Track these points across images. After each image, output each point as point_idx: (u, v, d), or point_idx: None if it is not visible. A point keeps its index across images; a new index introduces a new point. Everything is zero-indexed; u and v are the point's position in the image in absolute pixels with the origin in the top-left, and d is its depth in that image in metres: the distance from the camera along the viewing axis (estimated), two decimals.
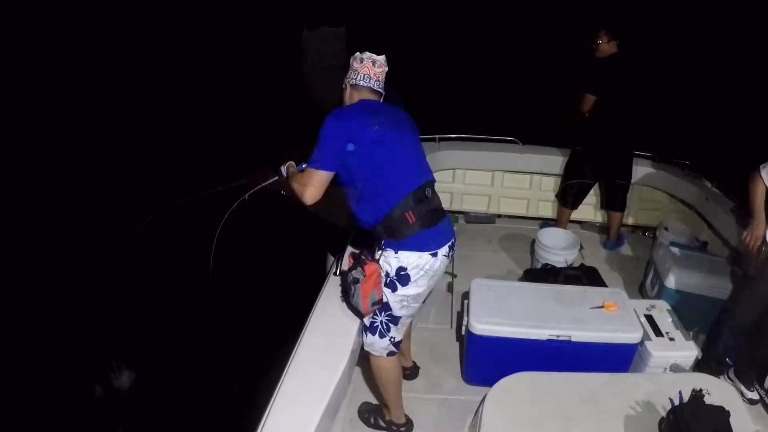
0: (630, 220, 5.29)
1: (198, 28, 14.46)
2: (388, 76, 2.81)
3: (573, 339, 3.11)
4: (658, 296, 3.93)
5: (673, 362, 3.25)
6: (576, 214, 5.09)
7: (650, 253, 4.48)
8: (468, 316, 3.21)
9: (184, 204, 3.05)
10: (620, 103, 4.45)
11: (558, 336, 3.11)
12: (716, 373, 3.25)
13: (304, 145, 2.74)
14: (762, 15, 12.61)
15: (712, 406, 2.39)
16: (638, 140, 4.82)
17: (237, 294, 5.33)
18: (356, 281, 2.61)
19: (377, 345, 2.83)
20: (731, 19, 13.76)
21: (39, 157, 7.95)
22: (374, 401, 3.22)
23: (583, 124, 4.61)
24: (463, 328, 3.30)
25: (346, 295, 2.78)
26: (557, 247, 4.39)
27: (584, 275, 4.02)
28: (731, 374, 3.36)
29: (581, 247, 4.56)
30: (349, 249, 3.26)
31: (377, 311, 2.75)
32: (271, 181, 3.22)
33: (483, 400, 2.73)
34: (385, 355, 2.85)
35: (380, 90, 2.77)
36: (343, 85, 2.80)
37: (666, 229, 4.71)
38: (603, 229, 5.21)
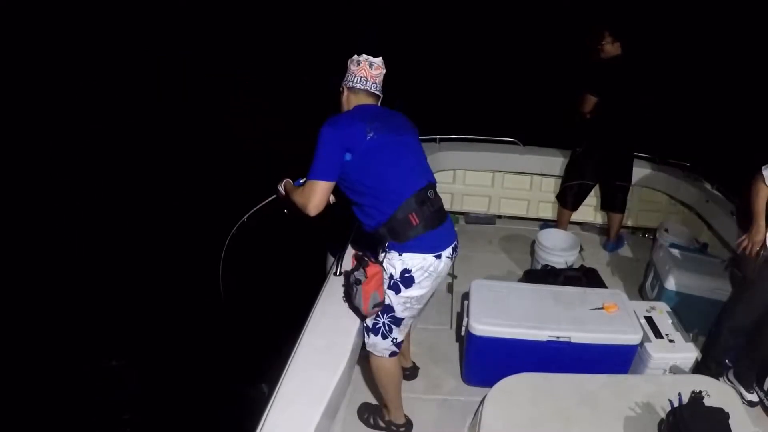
0: (630, 222, 5.29)
1: (198, 28, 14.47)
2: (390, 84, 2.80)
3: (573, 340, 3.11)
4: (658, 298, 3.93)
5: (672, 364, 3.25)
6: (576, 216, 5.09)
7: (650, 255, 4.48)
8: (468, 316, 3.21)
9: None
10: (621, 105, 4.45)
11: (558, 337, 3.11)
12: (716, 374, 3.25)
13: (303, 154, 2.73)
14: (762, 16, 12.62)
15: (711, 408, 2.40)
16: (638, 141, 4.82)
17: (237, 294, 5.32)
18: (358, 282, 2.59)
19: (379, 346, 2.83)
20: (731, 21, 13.77)
21: (39, 157, 7.95)
22: (374, 401, 3.22)
23: (584, 124, 4.61)
24: (463, 328, 3.30)
25: (348, 296, 2.77)
26: (557, 248, 4.39)
27: (584, 276, 4.02)
28: (731, 376, 3.35)
29: (581, 249, 4.56)
30: (352, 250, 3.25)
31: (380, 313, 2.75)
32: (267, 201, 3.23)
33: (483, 400, 2.73)
34: (387, 355, 2.86)
35: (378, 92, 2.75)
36: (341, 89, 2.78)
37: (666, 230, 4.70)
38: (603, 230, 5.21)
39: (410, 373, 3.46)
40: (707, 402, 2.41)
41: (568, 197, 4.89)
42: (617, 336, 3.13)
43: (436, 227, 2.64)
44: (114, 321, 5.00)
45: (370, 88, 2.72)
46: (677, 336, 3.33)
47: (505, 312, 3.22)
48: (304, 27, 14.61)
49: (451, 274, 4.16)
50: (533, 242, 4.58)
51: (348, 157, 2.55)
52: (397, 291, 2.67)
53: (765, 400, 3.25)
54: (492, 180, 5.30)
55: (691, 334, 3.42)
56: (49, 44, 12.78)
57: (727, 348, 3.33)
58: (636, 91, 4.45)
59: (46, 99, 10.07)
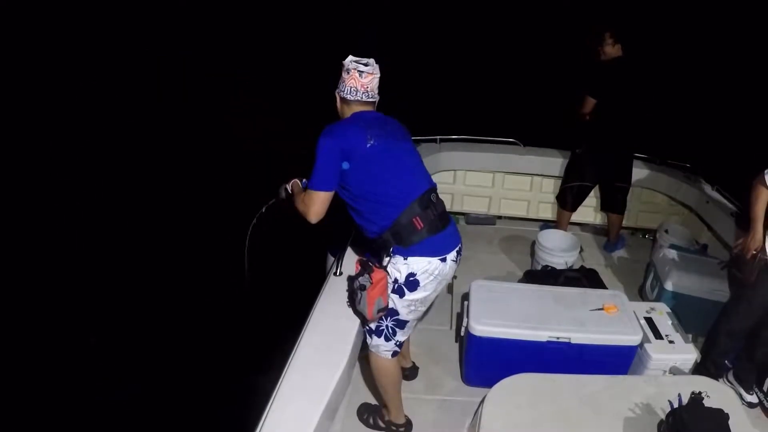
0: (630, 223, 5.28)
1: (198, 28, 14.47)
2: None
3: (573, 341, 3.11)
4: (657, 299, 3.93)
5: (672, 365, 3.25)
6: (576, 217, 5.09)
7: (650, 256, 4.49)
8: (468, 317, 3.21)
9: None
10: (620, 106, 4.45)
11: (558, 338, 3.11)
12: (715, 376, 3.25)
13: (303, 154, 2.73)
14: (762, 17, 12.63)
15: (711, 409, 2.39)
16: (638, 142, 4.82)
17: (237, 294, 5.32)
18: (363, 288, 2.59)
19: (382, 347, 2.83)
20: (732, 22, 13.77)
21: (39, 157, 7.95)
22: (373, 402, 3.21)
23: (584, 126, 4.61)
24: (463, 329, 3.30)
25: (352, 300, 2.77)
26: (557, 248, 4.39)
27: (584, 277, 4.02)
28: (730, 377, 3.36)
29: (581, 249, 4.56)
30: (355, 255, 3.25)
31: (383, 316, 2.74)
32: (270, 203, 3.22)
33: (482, 401, 2.73)
34: (389, 356, 2.86)
35: (371, 99, 2.72)
36: (335, 94, 2.77)
37: (666, 231, 4.70)
38: (603, 231, 5.21)
39: (410, 373, 3.46)
40: (707, 403, 2.41)
41: (568, 198, 4.89)
42: (617, 337, 3.13)
43: (440, 231, 2.65)
44: (114, 321, 5.00)
45: (362, 98, 2.68)
46: (677, 337, 3.33)
47: (505, 312, 3.22)
48: (304, 27, 14.62)
49: None
50: (533, 243, 4.58)
51: (346, 165, 2.56)
52: (402, 295, 2.68)
53: (765, 401, 3.25)
54: (492, 180, 5.30)
55: (690, 335, 3.42)
56: (49, 44, 12.78)
57: (726, 350, 3.33)
58: (635, 92, 4.45)
59: (46, 99, 10.07)
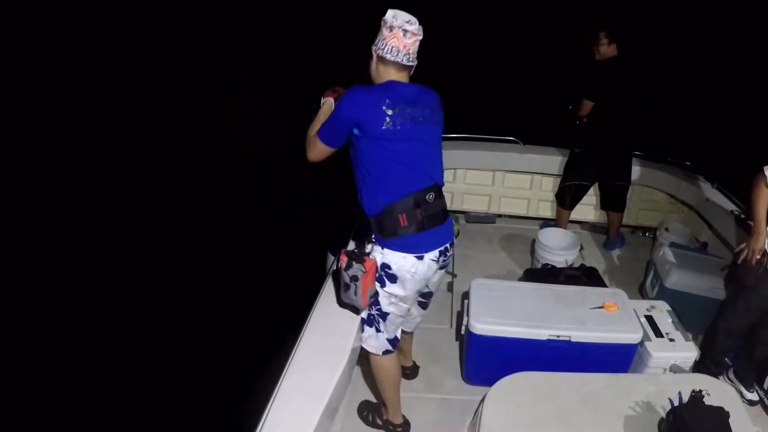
0: (630, 221, 5.28)
1: (198, 28, 14.46)
2: None
3: (573, 339, 3.11)
4: (658, 297, 3.92)
5: (672, 363, 3.25)
6: (576, 215, 5.09)
7: (650, 254, 4.49)
8: (468, 315, 3.21)
9: None
10: (617, 107, 4.45)
11: (558, 336, 3.11)
12: (715, 374, 3.25)
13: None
14: (762, 15, 12.61)
15: (711, 407, 2.39)
16: (637, 142, 4.81)
17: (237, 294, 5.33)
18: (356, 278, 2.57)
19: (372, 341, 2.81)
20: (732, 19, 13.76)
21: (39, 157, 7.95)
22: (374, 400, 3.22)
23: (582, 128, 4.61)
24: (463, 327, 3.30)
25: (345, 293, 2.70)
26: (557, 247, 4.39)
27: (584, 275, 4.02)
28: (731, 375, 3.36)
29: (581, 248, 4.56)
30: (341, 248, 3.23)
31: (370, 305, 2.75)
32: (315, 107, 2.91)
33: (482, 400, 2.73)
34: (380, 353, 2.83)
35: (410, 64, 2.53)
36: (371, 52, 2.56)
37: (666, 229, 4.70)
38: (603, 229, 5.21)
39: (410, 372, 3.46)
40: (707, 401, 2.41)
41: (566, 197, 4.90)
42: (617, 335, 3.14)
43: (424, 230, 2.56)
44: (114, 321, 5.00)
45: (402, 60, 2.48)
46: (677, 335, 3.33)
47: (505, 311, 3.22)
48: (304, 27, 14.60)
49: (452, 273, 4.16)
50: (533, 241, 4.58)
51: (357, 132, 2.49)
52: (382, 284, 2.65)
53: (765, 399, 3.26)
54: (492, 179, 5.30)
55: (691, 334, 3.42)
56: (49, 44, 12.77)
57: (725, 348, 3.33)
58: (632, 92, 4.45)
59: (47, 99, 10.06)
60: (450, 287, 4.09)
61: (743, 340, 3.30)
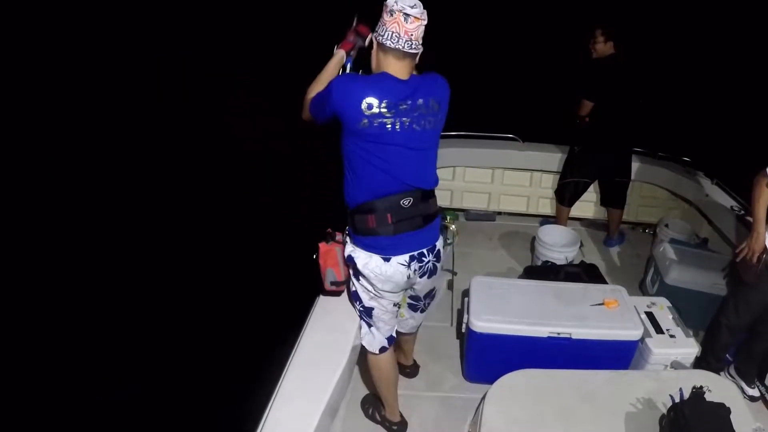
0: (630, 217, 5.28)
1: (198, 28, 14.46)
2: None
3: (573, 336, 3.10)
4: (658, 293, 3.92)
5: (673, 359, 3.24)
6: (576, 212, 5.09)
7: (651, 250, 4.48)
8: (468, 313, 3.21)
9: None
10: (616, 105, 4.44)
11: (558, 333, 3.11)
12: (716, 370, 3.25)
13: (303, 154, 2.67)
14: (762, 12, 12.60)
15: (712, 403, 2.39)
16: (636, 139, 4.80)
17: (237, 294, 5.33)
18: (315, 258, 2.66)
19: (368, 338, 2.80)
20: (731, 16, 13.74)
21: (39, 157, 7.95)
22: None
23: (583, 126, 4.60)
24: (464, 325, 3.29)
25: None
26: (558, 244, 4.39)
27: (584, 272, 4.02)
28: (732, 371, 3.36)
29: (581, 245, 4.56)
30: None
31: (353, 302, 2.77)
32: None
33: (483, 397, 2.73)
34: (376, 351, 2.81)
35: (413, 51, 2.32)
36: (372, 38, 2.42)
37: (666, 226, 4.70)
38: (603, 226, 5.20)
39: (411, 371, 3.46)
40: (708, 397, 2.40)
41: (566, 194, 4.89)
42: (618, 332, 3.13)
43: (393, 234, 2.47)
44: (114, 321, 5.00)
45: (403, 47, 2.28)
46: (678, 331, 3.32)
47: (506, 309, 3.21)
48: (304, 27, 14.60)
49: (452, 271, 4.17)
50: (533, 239, 4.58)
51: (339, 120, 2.36)
52: (357, 278, 2.65)
53: (766, 395, 3.26)
54: (492, 176, 5.30)
55: (691, 330, 3.41)
56: (49, 44, 12.79)
57: (726, 344, 3.33)
58: (630, 90, 4.44)
59: (47, 99, 10.07)
60: (450, 285, 4.08)
61: (745, 336, 3.30)
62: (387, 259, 2.50)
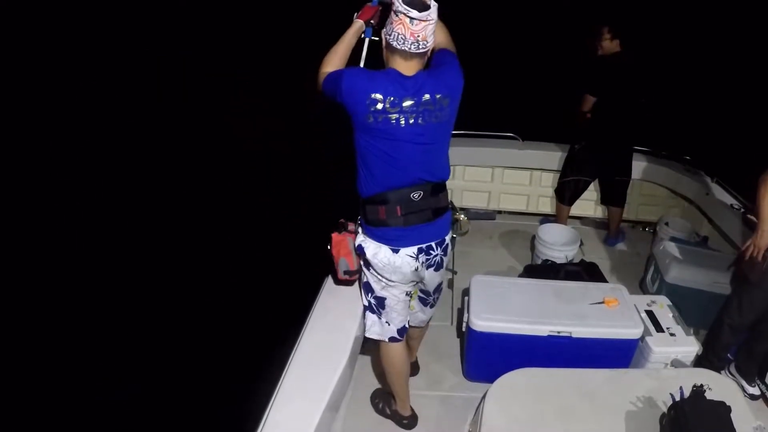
0: (630, 216, 5.27)
1: (198, 28, 14.46)
2: None
3: (574, 335, 3.10)
4: (658, 292, 3.92)
5: (673, 358, 3.24)
6: (576, 210, 5.08)
7: (651, 249, 4.48)
8: (468, 312, 3.21)
9: None
10: (619, 103, 4.44)
11: (559, 332, 3.11)
12: (717, 368, 3.24)
13: (303, 153, 2.69)
14: (762, 10, 12.59)
15: (713, 402, 2.38)
16: (637, 138, 4.80)
17: (237, 294, 5.33)
18: (328, 248, 2.70)
19: (375, 328, 2.84)
20: (731, 14, 13.73)
21: (39, 157, 7.96)
22: (388, 389, 3.22)
23: (584, 124, 4.60)
24: (464, 324, 3.29)
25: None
26: (558, 243, 4.39)
27: (585, 271, 4.02)
28: (732, 369, 3.35)
29: (581, 243, 4.56)
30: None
31: (365, 292, 2.81)
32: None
33: (484, 396, 2.73)
34: (386, 339, 2.85)
35: (420, 51, 2.31)
36: (382, 35, 2.42)
37: (666, 224, 4.69)
38: (603, 224, 5.20)
39: (411, 369, 3.46)
40: (709, 396, 2.40)
41: (566, 193, 4.89)
42: (618, 330, 3.13)
43: (402, 225, 2.52)
44: (114, 321, 5.00)
45: (410, 48, 2.28)
46: (678, 330, 3.33)
47: (506, 307, 3.21)
48: (305, 27, 14.59)
49: (452, 270, 4.17)
50: (533, 237, 4.58)
51: (344, 108, 2.39)
52: (367, 267, 2.71)
53: (767, 394, 3.25)
54: (492, 175, 5.30)
55: (692, 328, 3.41)
56: (49, 44, 12.79)
57: (728, 344, 3.32)
58: (634, 89, 4.44)
59: (47, 99, 10.08)
60: (450, 284, 4.08)
61: (746, 334, 3.30)
62: (396, 251, 2.56)
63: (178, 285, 5.37)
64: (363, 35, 2.67)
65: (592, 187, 4.96)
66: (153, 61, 11.91)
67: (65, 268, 5.64)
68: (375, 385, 3.31)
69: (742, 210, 4.24)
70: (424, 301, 2.99)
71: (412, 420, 3.08)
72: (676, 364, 3.23)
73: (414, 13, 2.20)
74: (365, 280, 2.77)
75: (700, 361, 3.30)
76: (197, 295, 5.27)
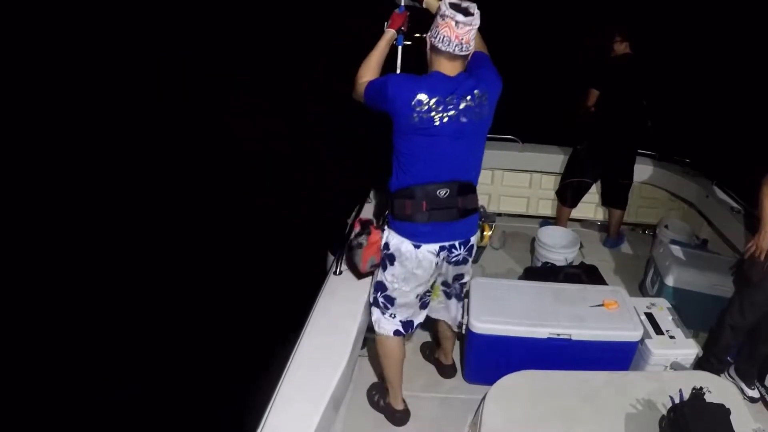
0: (630, 218, 5.28)
1: (198, 28, 14.44)
2: None
3: (573, 337, 3.11)
4: (658, 294, 3.92)
5: (673, 360, 3.25)
6: (576, 213, 5.09)
7: (650, 251, 4.48)
8: (468, 314, 3.20)
9: None
10: (623, 103, 4.44)
11: (558, 334, 3.11)
12: (717, 371, 3.24)
13: (303, 153, 2.72)
14: (761, 12, 12.59)
15: (712, 404, 2.39)
16: (640, 141, 4.79)
17: (237, 294, 5.33)
18: (360, 246, 2.72)
19: (383, 322, 2.89)
20: (731, 16, 13.73)
21: (39, 157, 7.95)
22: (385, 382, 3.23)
23: (586, 123, 4.60)
24: (464, 326, 3.30)
25: (351, 253, 2.87)
26: (557, 245, 4.39)
27: (584, 273, 4.02)
28: (732, 372, 3.35)
29: (581, 246, 4.55)
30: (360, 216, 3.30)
31: (375, 289, 2.86)
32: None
33: (483, 398, 2.73)
34: (391, 333, 2.90)
35: (463, 53, 2.47)
36: (426, 39, 2.54)
37: (666, 227, 4.70)
38: (603, 227, 5.20)
39: (449, 371, 3.48)
40: (708, 398, 2.40)
41: (568, 194, 4.89)
42: (618, 333, 3.14)
43: (426, 221, 2.61)
44: (114, 321, 5.00)
45: (454, 50, 2.43)
46: (678, 332, 3.33)
47: (506, 310, 3.22)
48: (305, 27, 14.59)
49: None
50: (533, 240, 4.57)
51: (387, 113, 2.51)
52: (384, 267, 2.76)
53: (766, 396, 3.25)
54: (491, 178, 5.30)
55: (691, 330, 3.42)
56: (49, 44, 12.77)
57: (729, 345, 3.32)
58: (637, 90, 4.44)
59: (47, 99, 10.06)
60: None
61: (745, 337, 3.30)
62: (417, 246, 2.65)
63: (178, 285, 5.37)
64: (395, 43, 2.82)
65: (592, 189, 4.96)
66: (153, 61, 11.90)
67: (65, 268, 5.64)
68: (380, 375, 3.31)
69: (742, 213, 4.25)
70: (447, 294, 3.06)
71: (404, 415, 3.09)
72: (676, 366, 3.24)
73: (460, 17, 2.36)
74: (378, 278, 2.83)
75: (700, 364, 3.30)
76: (197, 296, 5.27)
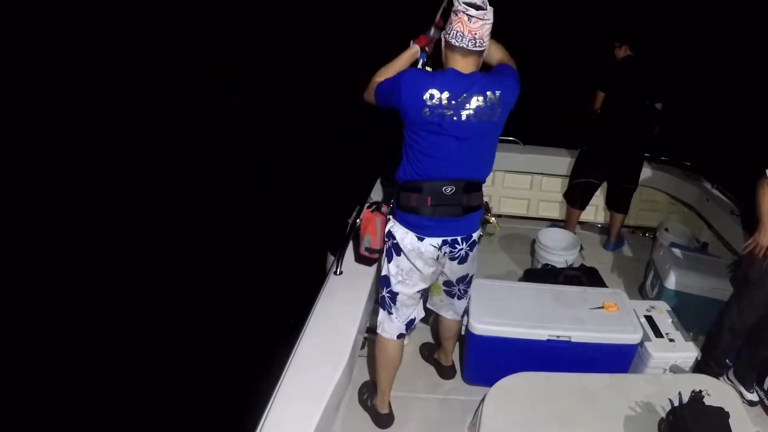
0: (630, 221, 5.27)
1: (198, 28, 14.44)
2: None
3: (573, 339, 3.11)
4: (658, 297, 3.93)
5: (672, 363, 3.25)
6: None
7: (650, 254, 4.48)
8: (468, 316, 3.21)
9: None
10: (626, 105, 4.44)
11: (558, 336, 3.11)
12: (716, 374, 3.25)
13: (303, 153, 2.74)
14: (761, 14, 12.60)
15: (711, 407, 2.39)
16: (646, 144, 4.78)
17: (237, 294, 5.33)
18: (356, 224, 2.85)
19: (386, 325, 2.91)
20: (732, 19, 13.74)
21: (39, 157, 7.95)
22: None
23: (589, 124, 4.61)
24: (463, 328, 3.30)
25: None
26: (558, 247, 4.39)
27: (584, 276, 4.02)
28: (731, 375, 3.35)
29: (581, 248, 4.55)
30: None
31: (381, 286, 2.89)
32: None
33: (482, 400, 2.73)
34: (395, 337, 2.92)
35: (478, 48, 2.47)
36: (441, 36, 2.58)
37: (666, 230, 4.71)
38: (603, 229, 5.21)
39: (449, 372, 3.49)
40: (707, 401, 2.41)
41: (576, 196, 4.89)
42: (617, 335, 3.14)
43: (429, 215, 2.65)
44: (114, 321, 5.00)
45: (467, 45, 2.44)
46: (677, 335, 3.34)
47: (506, 311, 3.22)
48: (305, 27, 14.60)
49: None
50: (533, 242, 4.58)
51: (398, 108, 2.54)
52: (390, 258, 2.80)
53: (765, 400, 3.25)
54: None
55: (691, 334, 3.42)
56: (49, 44, 12.77)
57: (728, 348, 3.33)
58: (640, 90, 4.45)
59: (46, 99, 10.06)
60: None
61: (745, 340, 3.30)
62: (421, 239, 2.69)
63: (178, 285, 5.37)
64: (418, 59, 2.87)
65: (597, 191, 4.95)
66: (153, 61, 11.89)
67: (65, 268, 5.63)
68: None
69: (741, 216, 4.25)
70: (449, 293, 3.07)
71: (387, 419, 3.09)
72: (675, 369, 3.24)
73: (472, 11, 2.37)
74: (383, 273, 2.86)
75: (699, 367, 3.31)
76: (197, 295, 5.27)
